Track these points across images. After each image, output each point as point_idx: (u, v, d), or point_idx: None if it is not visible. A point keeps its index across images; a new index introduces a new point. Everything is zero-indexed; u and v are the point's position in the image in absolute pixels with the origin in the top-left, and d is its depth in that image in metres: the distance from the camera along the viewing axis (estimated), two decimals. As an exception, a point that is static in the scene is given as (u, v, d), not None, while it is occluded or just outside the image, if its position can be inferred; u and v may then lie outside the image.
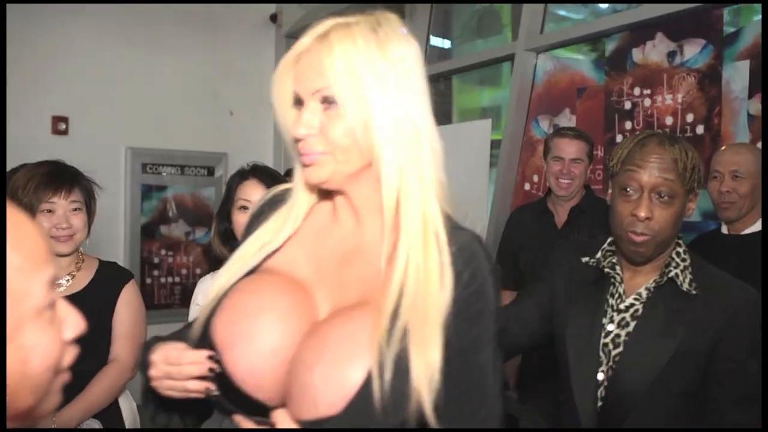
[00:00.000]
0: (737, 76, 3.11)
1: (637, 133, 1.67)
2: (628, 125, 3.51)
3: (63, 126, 5.07)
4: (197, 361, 1.08)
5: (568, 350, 1.65)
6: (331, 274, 1.13)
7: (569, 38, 3.93)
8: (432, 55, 5.15)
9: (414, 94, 1.09)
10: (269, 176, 2.29)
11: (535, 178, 4.05)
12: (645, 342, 1.57)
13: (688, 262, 1.63)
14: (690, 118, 3.30)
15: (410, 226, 1.07)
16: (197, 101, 5.80)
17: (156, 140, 5.51)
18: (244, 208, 2.19)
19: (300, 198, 1.17)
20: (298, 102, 1.09)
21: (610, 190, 1.69)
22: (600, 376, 1.61)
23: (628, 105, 3.56)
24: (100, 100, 5.13)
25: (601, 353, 1.62)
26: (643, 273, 1.65)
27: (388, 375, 0.98)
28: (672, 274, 1.60)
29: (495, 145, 4.33)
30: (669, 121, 3.38)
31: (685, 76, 3.32)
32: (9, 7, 4.67)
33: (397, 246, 1.07)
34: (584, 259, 1.71)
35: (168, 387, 1.11)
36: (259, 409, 1.06)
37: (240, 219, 2.19)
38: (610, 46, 3.68)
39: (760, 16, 3.08)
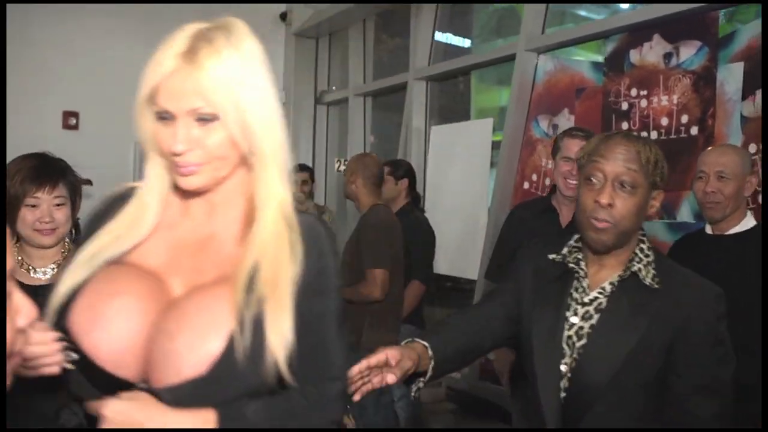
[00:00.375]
0: (731, 78, 3.15)
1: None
2: (624, 125, 3.56)
3: (74, 121, 5.18)
4: (43, 341, 1.12)
5: (534, 344, 1.68)
6: (186, 262, 1.20)
7: (568, 39, 3.98)
8: (449, 53, 5.20)
9: (271, 91, 1.18)
10: None
11: (534, 177, 4.10)
12: (608, 334, 1.61)
13: (651, 258, 1.66)
14: (685, 119, 3.34)
15: (267, 211, 1.17)
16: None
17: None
18: None
19: (153, 196, 1.23)
20: (165, 117, 1.14)
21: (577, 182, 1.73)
22: (563, 368, 1.64)
23: (625, 106, 3.60)
24: (110, 96, 5.21)
25: (564, 345, 1.65)
26: (608, 267, 1.68)
27: (247, 337, 1.09)
28: (635, 268, 1.63)
29: (497, 144, 4.39)
30: (664, 122, 3.42)
31: (680, 77, 3.36)
32: (20, 6, 4.78)
33: (252, 228, 1.17)
34: (551, 256, 1.74)
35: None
36: (121, 385, 1.13)
37: None
38: (609, 48, 3.73)
39: (755, 19, 3.11)
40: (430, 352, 1.60)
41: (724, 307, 1.60)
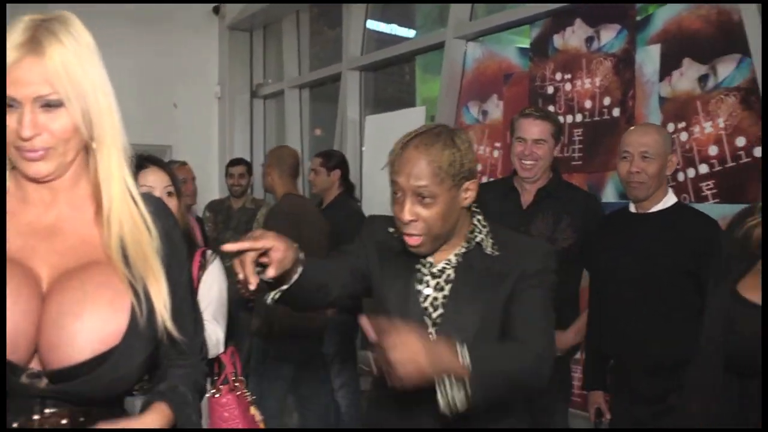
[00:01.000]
0: (649, 60, 3.24)
1: (408, 132, 1.71)
2: (551, 109, 3.61)
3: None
4: None
5: (391, 313, 1.71)
6: (40, 248, 1.24)
7: (494, 26, 4.04)
8: (388, 42, 5.23)
9: (107, 80, 1.25)
10: (163, 163, 2.36)
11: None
12: (461, 301, 1.71)
13: (488, 228, 1.77)
14: (607, 101, 3.42)
15: (114, 192, 1.25)
16: (141, 94, 5.80)
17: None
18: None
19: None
20: (11, 105, 1.17)
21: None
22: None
23: (550, 90, 3.67)
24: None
25: (424, 317, 1.73)
26: (450, 244, 1.75)
27: (144, 307, 1.22)
28: (478, 239, 1.75)
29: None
30: (588, 104, 3.50)
31: (602, 60, 3.44)
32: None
33: (103, 211, 1.25)
34: (391, 230, 1.78)
35: None
36: (13, 368, 1.16)
37: None
38: (534, 33, 3.80)
39: (669, 2, 3.21)
40: (300, 267, 1.59)
41: (552, 262, 1.76)
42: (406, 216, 1.63)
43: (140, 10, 5.72)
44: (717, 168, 2.95)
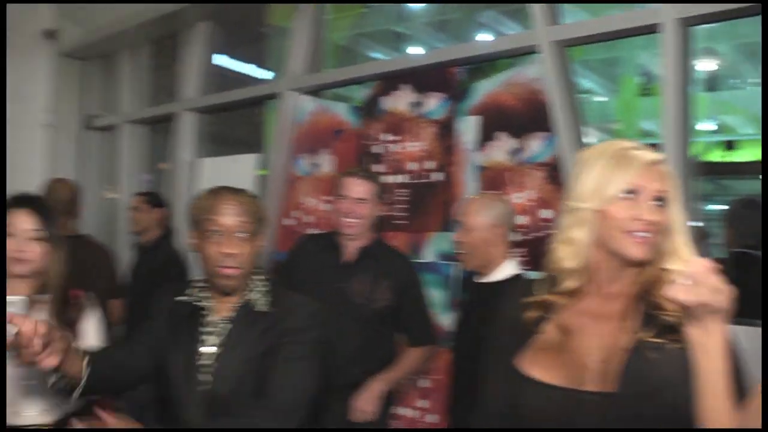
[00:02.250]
0: (468, 129, 3.39)
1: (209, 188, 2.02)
2: (379, 168, 3.69)
3: None
4: None
5: (172, 373, 1.94)
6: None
7: (327, 82, 4.11)
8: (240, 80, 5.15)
9: None
10: (39, 204, 2.27)
11: (295, 214, 4.15)
12: (229, 350, 1.93)
13: (268, 288, 2.00)
14: (430, 164, 3.54)
15: None
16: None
17: None
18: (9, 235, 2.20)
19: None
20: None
21: (192, 240, 2.00)
22: (201, 389, 1.91)
23: (378, 149, 3.75)
24: None
25: (202, 373, 1.93)
26: (230, 300, 1.98)
27: None
28: (248, 296, 1.97)
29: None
30: (412, 166, 3.60)
31: (426, 125, 3.57)
32: None
33: None
34: (179, 298, 2.00)
35: None
36: None
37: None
38: (365, 93, 3.89)
39: (487, 78, 3.40)
40: (86, 362, 1.81)
41: (316, 320, 1.99)
42: (232, 249, 1.89)
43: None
44: (527, 237, 3.10)
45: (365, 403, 2.74)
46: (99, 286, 3.20)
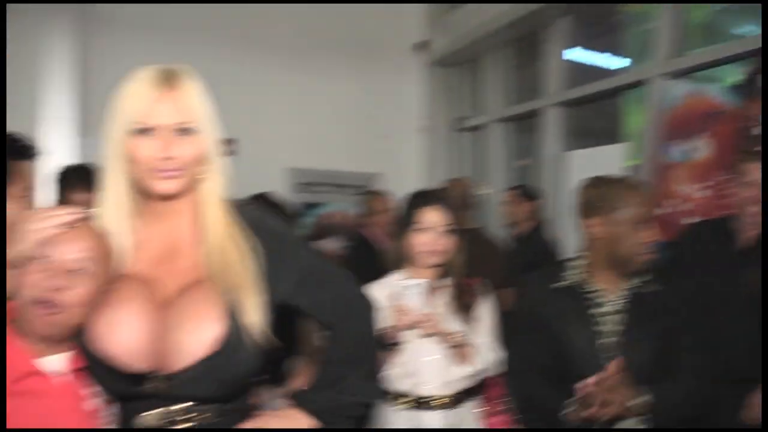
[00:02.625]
0: None
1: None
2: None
3: (232, 147, 5.61)
4: None
5: (576, 355, 2.08)
6: (164, 267, 1.45)
7: (694, 64, 3.92)
8: (596, 73, 5.22)
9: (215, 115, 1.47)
10: (445, 201, 2.50)
11: (667, 203, 4.04)
12: (630, 330, 2.07)
13: (658, 271, 2.15)
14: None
15: (212, 216, 1.46)
16: (352, 124, 6.21)
17: (313, 161, 5.98)
18: (423, 231, 2.42)
19: (126, 216, 1.46)
20: (146, 132, 1.38)
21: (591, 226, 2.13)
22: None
23: (759, 130, 3.50)
24: (263, 125, 5.61)
25: (604, 353, 2.05)
26: (621, 282, 2.12)
27: (233, 321, 1.39)
28: (639, 278, 2.13)
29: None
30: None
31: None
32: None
33: (204, 231, 1.45)
34: (562, 284, 2.17)
35: None
36: (138, 377, 1.36)
37: (417, 239, 2.43)
38: (745, 70, 3.65)
39: None
40: None
41: (706, 310, 2.25)
42: (651, 235, 2.05)
43: (350, 43, 6.14)
44: None
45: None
46: (491, 276, 3.45)
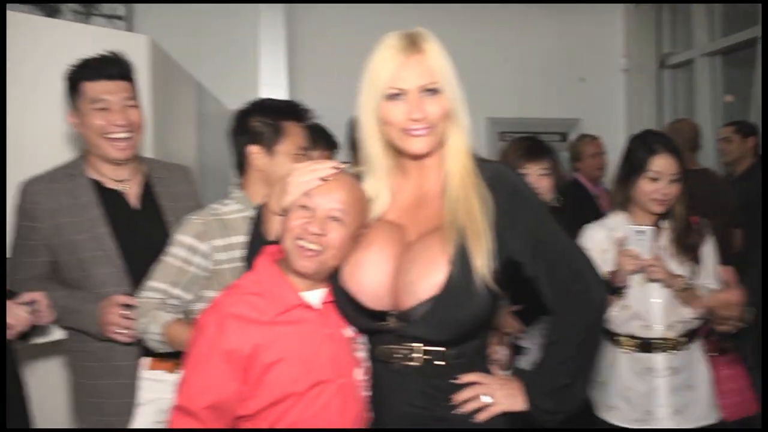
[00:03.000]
0: None
1: None
2: None
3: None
4: None
5: None
6: (413, 215, 1.60)
7: None
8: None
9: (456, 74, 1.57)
10: (676, 151, 2.48)
11: None
12: None
13: None
14: None
15: (457, 167, 1.56)
16: (549, 70, 6.17)
17: (512, 109, 6.01)
18: (654, 179, 2.43)
19: (383, 170, 1.61)
20: (397, 96, 1.51)
21: None
22: None
23: None
24: (461, 76, 5.72)
25: None
26: None
27: (458, 266, 1.48)
28: None
29: None
30: None
31: None
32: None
33: (448, 183, 1.57)
34: None
35: None
36: (379, 314, 1.54)
37: (646, 187, 2.44)
38: None
39: None
40: None
41: None
42: None
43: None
44: None
45: None
46: (720, 216, 3.38)
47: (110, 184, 2.17)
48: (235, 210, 2.07)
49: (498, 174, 1.58)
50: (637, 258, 2.35)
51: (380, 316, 1.54)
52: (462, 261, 1.49)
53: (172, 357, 2.03)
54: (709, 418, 2.42)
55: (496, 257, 1.52)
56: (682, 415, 2.38)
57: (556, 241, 1.58)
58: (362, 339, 1.63)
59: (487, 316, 1.55)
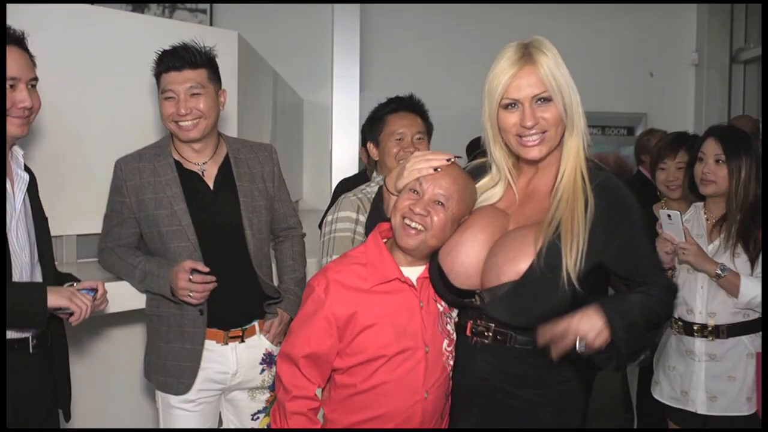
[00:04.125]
0: None
1: None
2: None
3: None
4: None
5: None
6: (519, 208, 1.71)
7: None
8: None
9: (572, 81, 1.64)
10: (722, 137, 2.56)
11: None
12: None
13: None
14: None
15: (568, 170, 1.64)
16: (618, 64, 6.20)
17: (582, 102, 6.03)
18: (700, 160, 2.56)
19: (503, 168, 1.73)
20: (512, 105, 1.62)
21: None
22: None
23: None
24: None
25: None
26: None
27: (542, 261, 1.55)
28: None
29: None
30: None
31: None
32: None
33: (556, 184, 1.65)
34: None
35: None
36: (467, 293, 1.65)
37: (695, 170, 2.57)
38: None
39: None
40: None
41: None
42: None
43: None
44: None
45: None
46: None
47: (189, 166, 2.32)
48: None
49: (606, 182, 1.65)
50: (671, 241, 2.47)
51: (469, 294, 1.68)
52: (550, 256, 1.56)
53: (223, 329, 2.26)
54: (741, 410, 2.46)
55: (587, 260, 1.58)
56: (716, 401, 2.46)
57: (648, 254, 1.68)
58: (455, 313, 1.77)
59: (564, 312, 1.57)
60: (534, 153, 1.65)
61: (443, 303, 1.75)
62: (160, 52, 2.27)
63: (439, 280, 1.70)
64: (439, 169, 1.70)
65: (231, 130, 3.03)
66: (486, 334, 1.66)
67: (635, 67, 6.28)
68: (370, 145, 2.51)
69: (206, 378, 2.26)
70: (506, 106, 1.65)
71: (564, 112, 1.62)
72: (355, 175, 3.80)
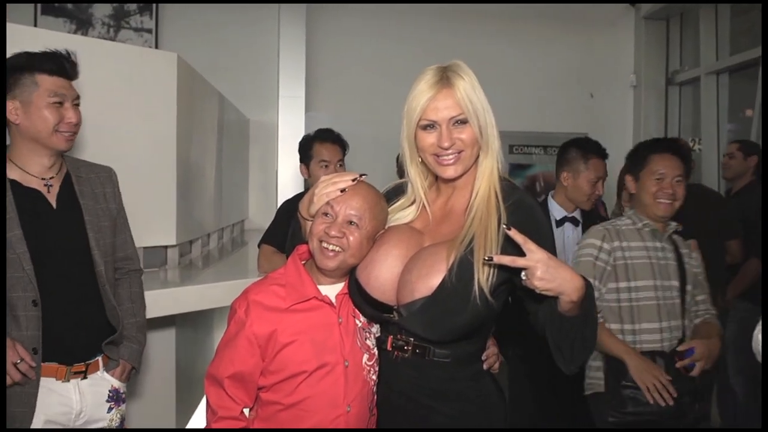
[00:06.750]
0: None
1: None
2: None
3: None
4: None
5: None
6: (434, 226, 1.78)
7: None
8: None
9: (487, 104, 1.70)
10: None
11: None
12: None
13: None
14: None
15: (482, 188, 1.70)
16: (560, 85, 6.35)
17: (522, 123, 6.17)
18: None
19: (418, 188, 1.79)
20: (429, 126, 1.68)
21: None
22: None
23: None
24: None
25: None
26: None
27: (454, 276, 1.60)
28: None
29: None
30: None
31: None
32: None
33: (471, 204, 1.71)
34: None
35: None
36: (383, 307, 1.71)
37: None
38: None
39: None
40: None
41: None
42: None
43: (564, 9, 6.28)
44: None
45: None
46: (713, 228, 3.55)
47: (30, 182, 2.11)
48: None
49: (520, 201, 1.70)
50: None
51: (387, 308, 1.73)
52: (461, 270, 1.62)
53: (65, 363, 2.11)
54: None
55: (498, 274, 1.63)
56: None
57: None
58: (375, 328, 1.82)
59: (479, 324, 1.66)
60: (450, 172, 1.71)
61: (362, 318, 1.79)
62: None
63: (357, 293, 1.75)
64: (346, 190, 1.75)
65: (170, 150, 3.04)
66: (406, 348, 1.71)
67: (577, 88, 6.44)
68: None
69: (47, 420, 2.08)
70: (424, 127, 1.71)
71: (479, 133, 1.68)
72: (298, 195, 3.83)
